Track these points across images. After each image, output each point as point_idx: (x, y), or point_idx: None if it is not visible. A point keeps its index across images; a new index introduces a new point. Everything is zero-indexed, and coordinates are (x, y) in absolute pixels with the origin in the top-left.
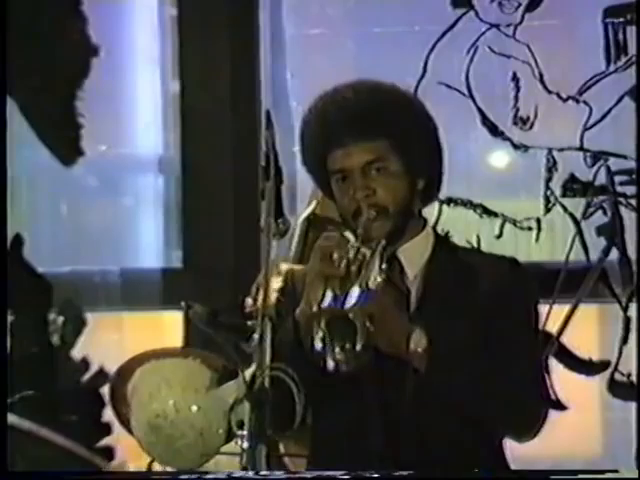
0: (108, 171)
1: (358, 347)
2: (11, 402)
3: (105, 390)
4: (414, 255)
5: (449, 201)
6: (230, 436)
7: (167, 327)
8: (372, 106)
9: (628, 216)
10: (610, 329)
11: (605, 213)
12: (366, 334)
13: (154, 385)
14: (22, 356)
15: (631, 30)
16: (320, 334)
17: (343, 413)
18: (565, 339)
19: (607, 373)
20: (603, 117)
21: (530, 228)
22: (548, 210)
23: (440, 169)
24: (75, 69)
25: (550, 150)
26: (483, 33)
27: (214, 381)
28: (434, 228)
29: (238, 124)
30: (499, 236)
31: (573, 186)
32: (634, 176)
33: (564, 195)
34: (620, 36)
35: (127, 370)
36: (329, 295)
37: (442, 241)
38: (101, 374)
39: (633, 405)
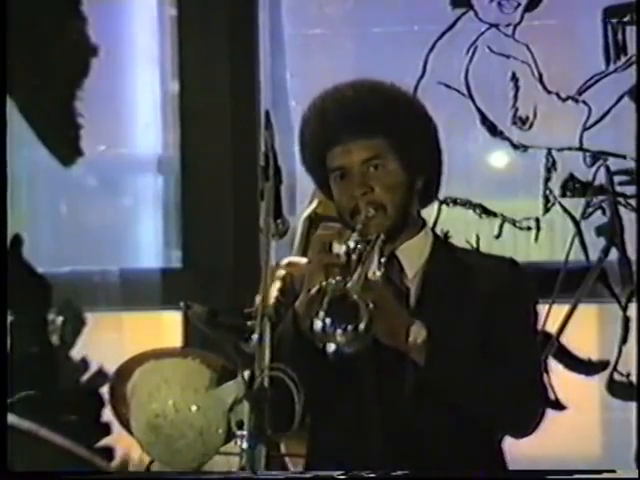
0: (107, 171)
1: (361, 326)
2: (10, 402)
3: (105, 390)
4: (413, 255)
5: (448, 201)
6: (229, 436)
7: (166, 327)
8: (371, 104)
9: (627, 216)
10: (609, 329)
11: (604, 213)
12: (368, 315)
13: (153, 385)
14: (21, 356)
15: (630, 30)
16: (321, 315)
17: (342, 409)
18: (564, 339)
19: (606, 373)
20: (602, 117)
21: (529, 228)
22: (547, 210)
23: (439, 170)
24: (74, 69)
25: (549, 150)
26: (482, 33)
27: (213, 381)
28: (433, 228)
29: (237, 124)
30: (498, 236)
31: (572, 186)
32: (633, 176)
33: (563, 195)
34: (619, 36)
35: (127, 370)
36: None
37: (441, 242)
38: (100, 374)
39: (632, 405)
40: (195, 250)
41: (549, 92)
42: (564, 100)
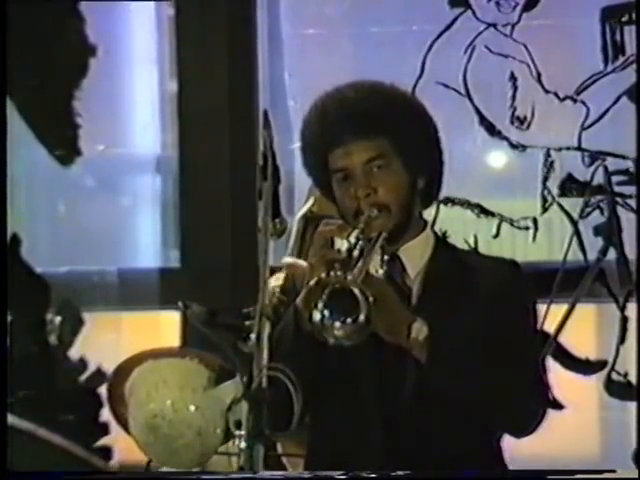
0: (106, 171)
1: (361, 318)
2: (9, 402)
3: (103, 390)
4: (415, 255)
5: (447, 201)
6: (228, 436)
7: (165, 327)
8: (372, 105)
9: (625, 216)
10: (607, 329)
11: (602, 213)
12: (368, 308)
13: (152, 385)
14: (19, 356)
15: (629, 30)
16: (320, 306)
17: (343, 406)
18: (562, 339)
19: (604, 373)
20: (601, 117)
21: (527, 228)
22: (545, 210)
23: (440, 169)
24: (73, 69)
25: (548, 150)
26: (480, 33)
27: (212, 381)
28: (433, 229)
29: (236, 124)
30: (496, 236)
31: (570, 186)
32: (632, 176)
33: (562, 195)
34: (618, 36)
35: (125, 370)
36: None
37: (442, 242)
38: (99, 374)
39: (630, 404)
40: (193, 250)
41: (547, 92)
42: (562, 100)
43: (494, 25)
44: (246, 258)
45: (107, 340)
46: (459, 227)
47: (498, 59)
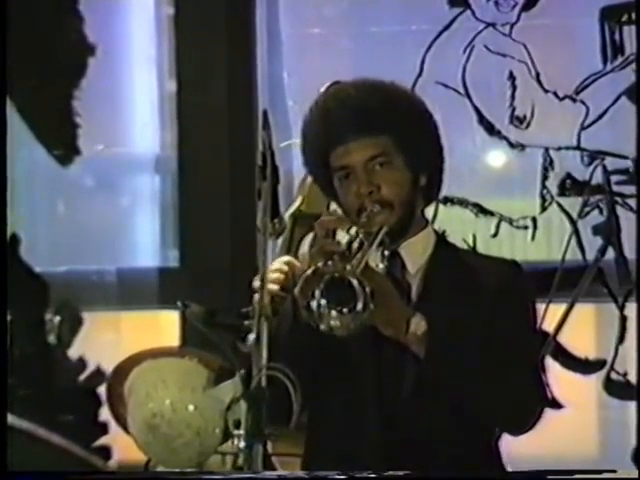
0: (105, 171)
1: (358, 307)
2: (8, 402)
3: (102, 390)
4: (415, 252)
5: (445, 200)
6: (227, 436)
7: (164, 326)
8: (374, 103)
9: (624, 215)
10: (606, 328)
11: (601, 212)
12: (365, 297)
13: (151, 385)
14: (19, 356)
15: (628, 30)
16: (317, 295)
17: (340, 404)
18: (562, 338)
19: (603, 372)
20: (600, 116)
21: (526, 227)
22: (544, 209)
23: (441, 167)
24: (72, 69)
25: (547, 149)
26: (479, 32)
27: (211, 380)
28: (433, 227)
29: (235, 124)
30: (495, 235)
31: (570, 185)
32: (631, 175)
33: (561, 194)
34: (617, 36)
35: (124, 370)
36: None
37: (443, 241)
38: (98, 374)
39: (629, 404)
40: (192, 249)
41: (546, 91)
42: (561, 99)
43: (493, 25)
44: (245, 258)
45: (106, 340)
46: (458, 226)
47: (497, 59)
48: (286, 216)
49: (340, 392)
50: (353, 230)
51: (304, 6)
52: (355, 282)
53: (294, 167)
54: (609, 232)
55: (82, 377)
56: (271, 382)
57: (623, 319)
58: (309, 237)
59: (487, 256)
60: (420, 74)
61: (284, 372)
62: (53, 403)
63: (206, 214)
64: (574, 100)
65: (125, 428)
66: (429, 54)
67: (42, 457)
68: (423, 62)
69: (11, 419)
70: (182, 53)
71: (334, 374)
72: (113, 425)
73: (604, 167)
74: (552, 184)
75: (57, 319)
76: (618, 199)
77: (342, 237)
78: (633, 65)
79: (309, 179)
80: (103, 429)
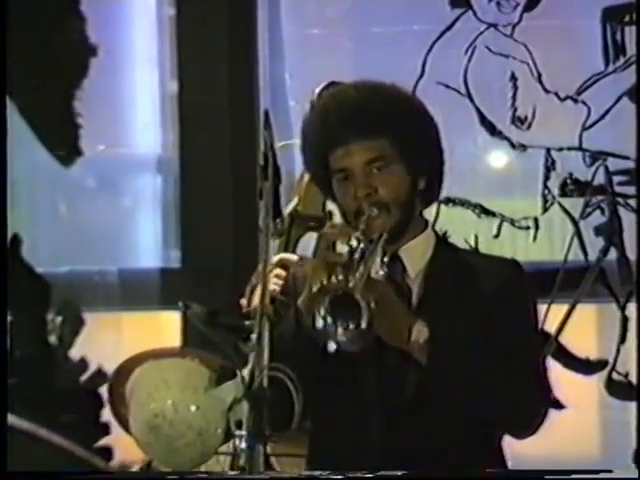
0: (107, 171)
1: (363, 325)
2: (9, 402)
3: (103, 390)
4: (416, 255)
5: (447, 201)
6: (228, 436)
7: (165, 327)
8: (373, 105)
9: (626, 216)
10: (608, 329)
11: (603, 213)
12: (370, 314)
13: (152, 385)
14: (20, 356)
15: (629, 30)
16: (322, 313)
17: (344, 408)
18: (563, 339)
19: (605, 372)
20: (601, 117)
21: (528, 228)
22: (546, 210)
23: (441, 170)
24: (73, 69)
25: (548, 150)
26: (481, 33)
27: (212, 381)
28: (434, 229)
29: (236, 124)
30: (497, 236)
31: (571, 186)
32: (632, 176)
33: (562, 195)
34: (618, 36)
35: (125, 370)
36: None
37: (443, 242)
38: (99, 374)
39: (631, 404)
40: (194, 250)
41: (548, 92)
42: (563, 100)
43: (495, 25)
44: (247, 258)
45: (108, 340)
46: (460, 227)
47: (499, 59)
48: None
49: (342, 398)
50: (354, 241)
51: (306, 6)
52: (360, 298)
53: (295, 167)
54: (611, 233)
55: (83, 377)
56: (273, 383)
57: (625, 319)
58: (306, 237)
59: (488, 256)
60: (422, 75)
61: (286, 373)
62: (54, 403)
63: (208, 214)
64: (575, 101)
65: (127, 429)
66: (431, 55)
67: (43, 457)
68: (425, 63)
69: (11, 419)
70: (184, 54)
71: (336, 380)
72: (115, 426)
73: (606, 168)
74: (554, 185)
75: (59, 319)
76: (620, 200)
77: (342, 248)
78: (635, 66)
79: (305, 179)
80: (105, 430)
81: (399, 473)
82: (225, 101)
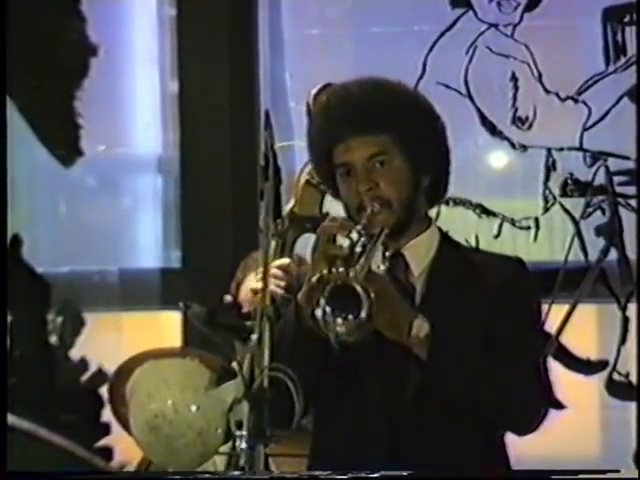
0: (107, 171)
1: (362, 315)
2: (9, 402)
3: (104, 390)
4: (419, 252)
5: (448, 201)
6: (229, 436)
7: (166, 327)
8: (376, 101)
9: (627, 216)
10: (609, 329)
11: (604, 213)
12: (369, 304)
13: (153, 385)
14: (20, 356)
15: (630, 31)
16: (322, 303)
17: (344, 406)
18: (564, 339)
19: (605, 373)
20: (602, 117)
21: (529, 228)
22: (547, 210)
23: (447, 169)
24: (74, 69)
25: (549, 150)
26: (482, 33)
27: (213, 381)
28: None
29: (237, 124)
30: (497, 236)
31: (572, 186)
32: (633, 176)
33: (563, 195)
34: (619, 37)
35: (126, 370)
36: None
37: (448, 240)
38: (100, 374)
39: (631, 405)
40: (194, 250)
41: (549, 92)
42: (564, 100)
43: (495, 25)
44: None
45: (108, 340)
46: (460, 227)
47: (499, 59)
48: None
49: (343, 395)
50: (354, 234)
51: (306, 7)
52: (359, 289)
53: (296, 167)
54: (611, 233)
55: (84, 378)
56: (273, 383)
57: (625, 320)
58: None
59: (492, 254)
60: (422, 75)
61: (286, 373)
62: (55, 404)
63: (208, 215)
64: (576, 101)
65: (127, 429)
66: (431, 55)
67: (43, 457)
68: (425, 63)
69: (11, 419)
70: (184, 53)
71: (337, 377)
72: (115, 426)
73: (606, 168)
74: (554, 185)
75: (59, 320)
76: (620, 200)
77: (343, 241)
78: (635, 66)
79: (302, 181)
80: (105, 430)
81: (404, 473)
82: (225, 101)
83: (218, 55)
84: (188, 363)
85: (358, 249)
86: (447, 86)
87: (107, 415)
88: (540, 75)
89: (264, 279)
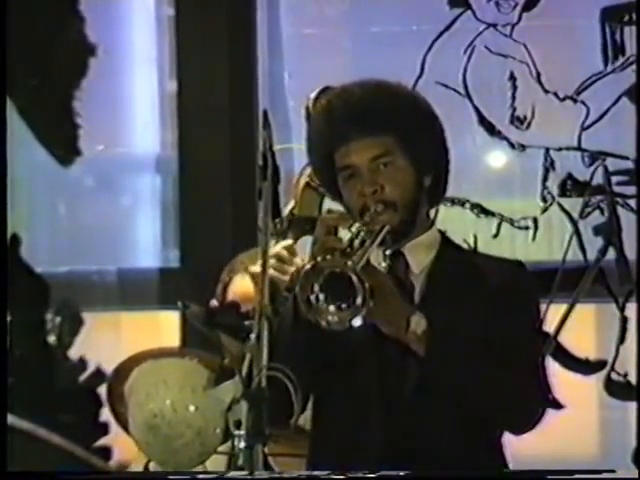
0: (106, 171)
1: (358, 302)
2: (8, 402)
3: (102, 390)
4: (420, 252)
5: (446, 200)
6: (227, 436)
7: (164, 327)
8: (378, 102)
9: (625, 216)
10: (607, 329)
11: (602, 213)
12: (364, 293)
13: (151, 385)
14: (19, 356)
15: (629, 30)
16: (316, 289)
17: (341, 404)
18: (562, 338)
19: (604, 373)
20: (601, 117)
21: (527, 227)
22: (545, 209)
23: (446, 168)
24: (73, 69)
25: (547, 150)
26: (480, 33)
27: (211, 381)
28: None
29: (235, 124)
30: (496, 235)
31: (570, 186)
32: (632, 176)
33: (561, 195)
34: (618, 36)
35: (124, 370)
36: None
37: (448, 242)
38: (98, 374)
39: (630, 405)
40: (193, 250)
41: (547, 92)
42: (562, 100)
43: (494, 25)
44: None
45: (107, 340)
46: (459, 227)
47: (498, 59)
48: None
49: (341, 390)
50: (355, 227)
51: (305, 6)
52: (355, 278)
53: (295, 167)
54: (610, 233)
55: (82, 377)
56: (271, 382)
57: (624, 319)
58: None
59: (492, 257)
60: (421, 74)
61: (285, 372)
62: (53, 403)
63: (207, 214)
64: (575, 101)
65: (125, 428)
66: (430, 54)
67: (42, 457)
68: (424, 62)
69: (11, 419)
70: (183, 53)
71: (335, 372)
72: (114, 425)
73: (605, 168)
74: (553, 185)
75: (57, 319)
76: (619, 200)
77: (344, 235)
78: (634, 66)
79: (302, 182)
80: (104, 429)
81: (401, 473)
82: (224, 101)
83: (217, 55)
84: (187, 363)
85: (357, 244)
86: (446, 86)
87: (106, 415)
88: (539, 75)
89: (263, 279)
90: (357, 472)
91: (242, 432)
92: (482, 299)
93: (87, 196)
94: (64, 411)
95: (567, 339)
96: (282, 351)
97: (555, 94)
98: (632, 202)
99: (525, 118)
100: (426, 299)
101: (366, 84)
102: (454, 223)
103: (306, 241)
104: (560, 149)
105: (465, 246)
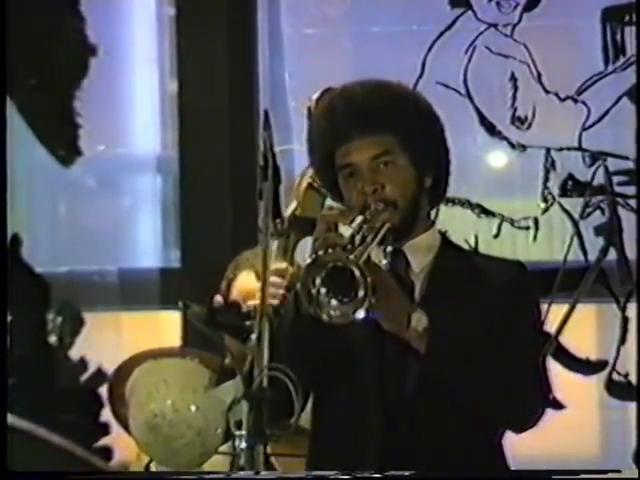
0: (106, 171)
1: (360, 295)
2: (9, 402)
3: (103, 390)
4: (420, 251)
5: (447, 200)
6: (228, 436)
7: (165, 327)
8: (379, 101)
9: (626, 216)
10: (608, 329)
11: (603, 213)
12: (365, 286)
13: (152, 385)
14: (19, 356)
15: (630, 30)
16: (317, 282)
17: (342, 401)
18: (563, 339)
19: (605, 373)
20: (601, 117)
21: (528, 228)
22: (546, 210)
23: (447, 168)
24: (73, 69)
25: (548, 150)
26: (481, 33)
27: (212, 381)
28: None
29: (236, 124)
30: (497, 235)
31: (571, 186)
32: (632, 176)
33: (562, 195)
34: (618, 36)
35: (125, 370)
36: None
37: (449, 242)
38: (99, 374)
39: (630, 405)
40: (194, 250)
41: (548, 92)
42: (563, 100)
43: (495, 25)
44: None
45: (108, 340)
46: (460, 227)
47: (499, 59)
48: None
49: (341, 388)
50: (355, 224)
51: (305, 6)
52: (357, 271)
53: (295, 168)
54: (611, 233)
55: (83, 377)
56: (272, 382)
57: (625, 320)
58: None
59: (492, 257)
60: (421, 75)
61: (285, 372)
62: (54, 404)
63: (207, 214)
64: (575, 101)
65: (126, 428)
66: (430, 55)
67: (42, 457)
68: (424, 63)
69: (11, 419)
70: (183, 53)
71: (335, 370)
72: (115, 426)
73: (606, 168)
74: (554, 185)
75: (58, 319)
76: (620, 200)
77: (345, 231)
78: (634, 66)
79: (304, 184)
80: (104, 430)
81: (406, 473)
82: (225, 101)
83: (217, 55)
84: (188, 363)
85: (358, 240)
86: (446, 86)
87: (106, 415)
88: (539, 75)
89: (263, 279)
90: (363, 472)
91: (243, 432)
92: (483, 299)
93: (88, 196)
94: (65, 411)
95: (568, 339)
96: (282, 348)
97: (556, 94)
98: (633, 202)
99: (526, 118)
100: (426, 298)
101: (367, 84)
102: (455, 223)
103: (306, 241)
104: (561, 149)
105: (466, 246)
